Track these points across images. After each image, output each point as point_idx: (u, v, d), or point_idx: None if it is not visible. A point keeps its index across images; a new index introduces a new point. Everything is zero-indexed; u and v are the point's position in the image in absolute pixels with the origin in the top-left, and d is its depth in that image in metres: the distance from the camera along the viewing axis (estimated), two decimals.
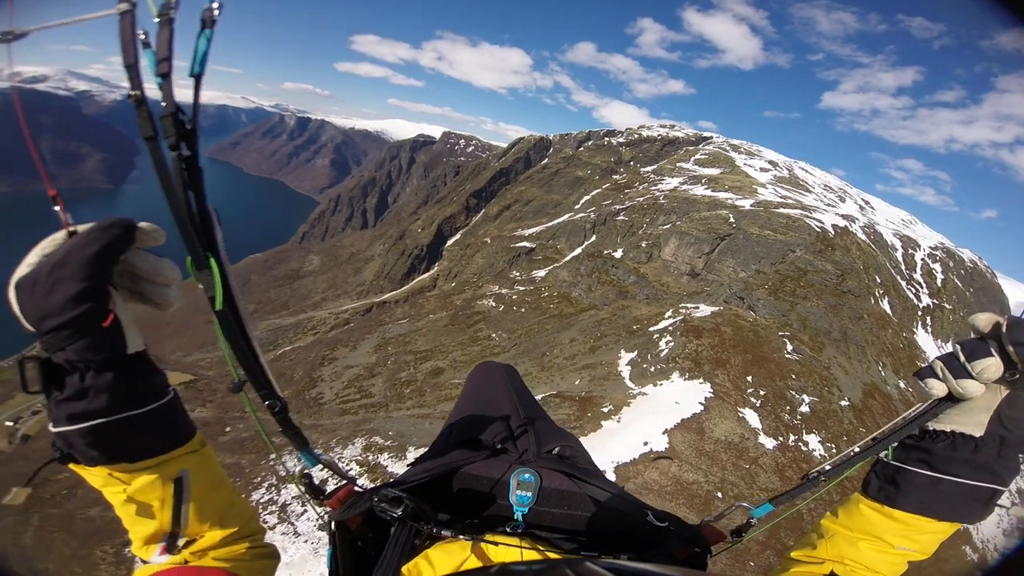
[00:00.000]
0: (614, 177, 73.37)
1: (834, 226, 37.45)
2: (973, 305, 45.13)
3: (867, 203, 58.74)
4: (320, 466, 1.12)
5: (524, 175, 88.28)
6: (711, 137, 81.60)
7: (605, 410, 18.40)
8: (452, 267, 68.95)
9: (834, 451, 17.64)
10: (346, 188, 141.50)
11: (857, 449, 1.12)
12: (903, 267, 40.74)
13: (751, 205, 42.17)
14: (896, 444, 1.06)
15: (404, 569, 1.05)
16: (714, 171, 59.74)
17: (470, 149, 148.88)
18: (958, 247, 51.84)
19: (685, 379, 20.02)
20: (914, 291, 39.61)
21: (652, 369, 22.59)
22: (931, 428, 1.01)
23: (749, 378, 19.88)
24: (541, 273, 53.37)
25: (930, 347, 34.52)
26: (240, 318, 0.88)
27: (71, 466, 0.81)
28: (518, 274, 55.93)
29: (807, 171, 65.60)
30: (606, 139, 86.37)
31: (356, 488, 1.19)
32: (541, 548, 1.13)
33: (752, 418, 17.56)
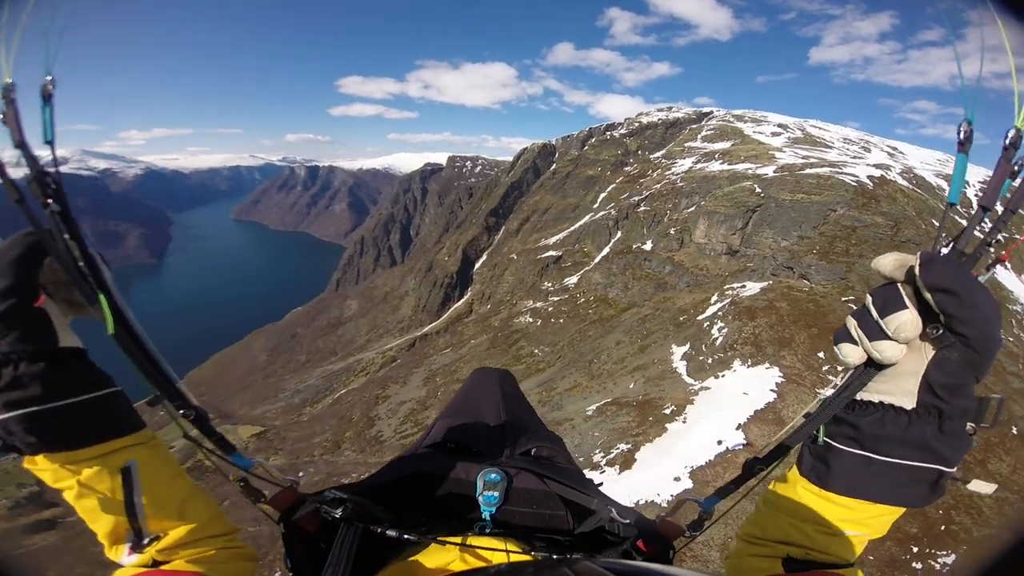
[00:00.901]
0: (625, 169, 72.87)
1: (870, 177, 35.36)
2: None
3: (895, 149, 55.63)
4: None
5: (536, 184, 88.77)
6: (712, 112, 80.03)
7: (667, 411, 17.67)
8: (484, 289, 69.45)
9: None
10: (368, 229, 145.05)
11: (788, 431, 1.00)
12: (958, 206, 37.81)
13: (774, 172, 40.67)
14: (827, 421, 0.92)
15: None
16: (725, 144, 58.28)
17: (478, 169, 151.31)
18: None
19: (748, 366, 18.83)
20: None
21: (710, 360, 21.52)
22: (859, 399, 0.87)
23: (821, 354, 18.51)
24: (573, 279, 52.88)
25: (1016, 286, 31.72)
26: (137, 338, 0.93)
27: (25, 464, 0.85)
28: (550, 284, 55.63)
29: (821, 128, 62.86)
30: (608, 133, 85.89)
31: (297, 490, 1.19)
32: (509, 548, 1.11)
33: None
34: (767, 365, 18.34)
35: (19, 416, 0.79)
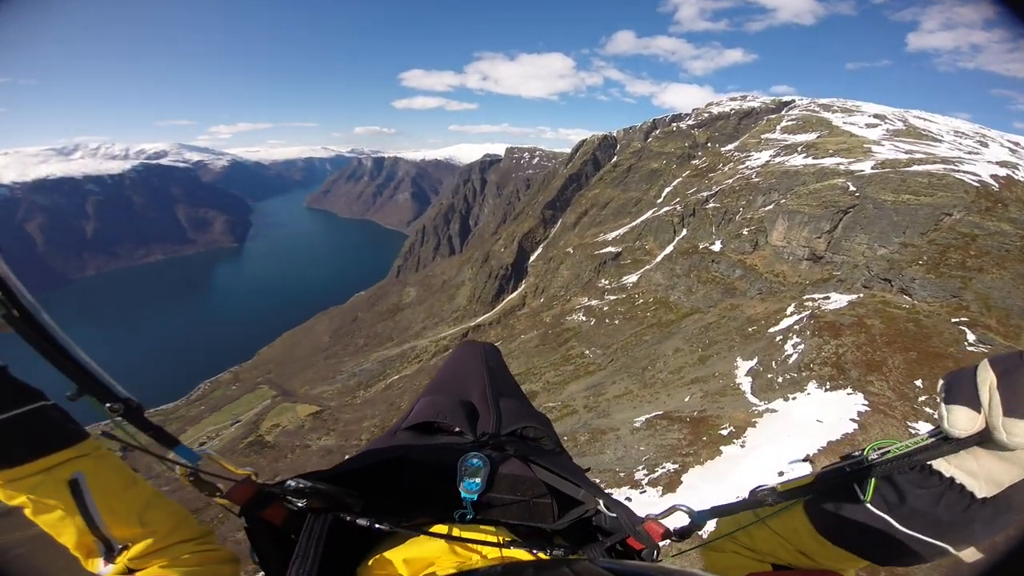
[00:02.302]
0: (693, 163, 68.94)
1: (994, 177, 30.41)
2: None
3: (1017, 145, 47.97)
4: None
5: (595, 177, 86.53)
6: (793, 101, 73.70)
7: (724, 432, 15.87)
8: (538, 283, 68.63)
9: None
10: (429, 218, 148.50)
11: (814, 471, 0.99)
12: None
13: (872, 168, 36.08)
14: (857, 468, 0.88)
15: (362, 570, 1.01)
16: (809, 136, 53.11)
17: (535, 161, 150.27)
18: None
19: (826, 390, 16.45)
20: None
21: (780, 380, 19.17)
22: (928, 465, 0.78)
23: (918, 383, 15.71)
24: (632, 278, 50.58)
25: None
26: (41, 327, 0.88)
27: None
28: (607, 282, 53.64)
29: (926, 119, 55.53)
30: (674, 124, 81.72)
31: (256, 480, 1.10)
32: (494, 539, 1.06)
33: None
34: (849, 390, 15.91)
35: None
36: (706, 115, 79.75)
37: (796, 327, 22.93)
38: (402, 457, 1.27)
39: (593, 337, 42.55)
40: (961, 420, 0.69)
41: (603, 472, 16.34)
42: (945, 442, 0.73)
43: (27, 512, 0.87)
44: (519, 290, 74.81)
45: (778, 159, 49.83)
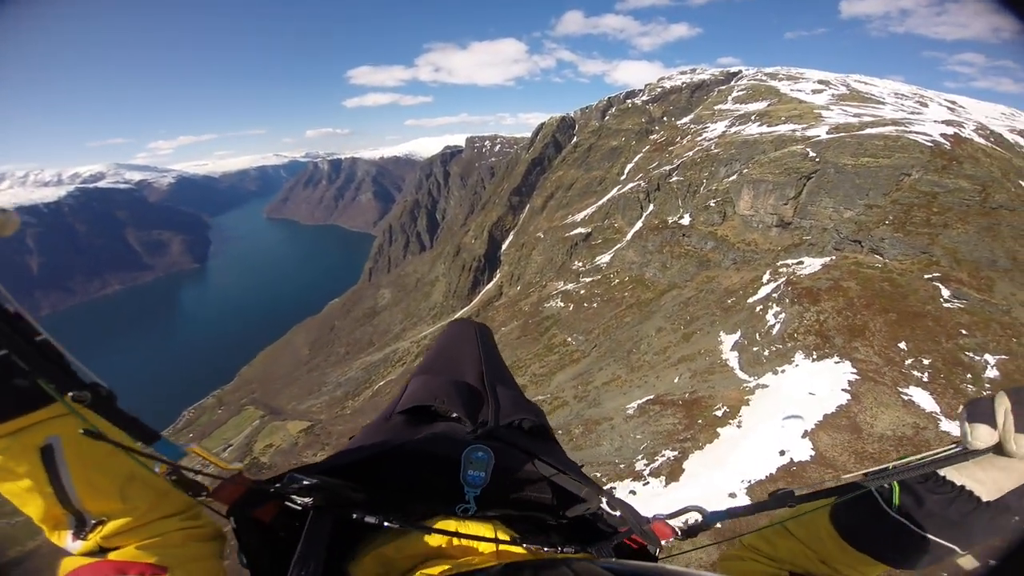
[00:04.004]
0: (651, 138, 69.39)
1: (944, 136, 31.37)
2: None
3: (954, 103, 50.02)
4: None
5: (558, 159, 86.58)
6: (740, 72, 75.29)
7: (719, 413, 15.92)
8: (513, 270, 68.40)
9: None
10: (395, 217, 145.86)
11: (847, 478, 1.02)
12: None
13: (828, 133, 36.84)
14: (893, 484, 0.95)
15: (354, 567, 0.96)
16: (760, 105, 54.25)
17: (497, 148, 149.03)
18: None
19: (813, 360, 16.58)
20: None
21: (766, 353, 19.27)
22: (940, 475, 0.89)
23: (902, 345, 16.00)
24: (605, 258, 50.70)
25: None
26: None
27: None
28: (581, 264, 53.69)
29: (866, 83, 57.52)
30: (628, 101, 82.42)
31: (248, 477, 1.02)
32: (498, 536, 1.03)
33: (923, 399, 13.58)
34: (836, 359, 16.12)
35: None
36: (659, 90, 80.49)
37: (775, 295, 23.23)
38: (400, 447, 1.22)
39: (574, 323, 42.53)
40: (982, 435, 0.79)
41: (603, 465, 16.12)
42: (962, 455, 0.84)
43: None
44: (495, 280, 74.42)
45: (734, 129, 50.54)
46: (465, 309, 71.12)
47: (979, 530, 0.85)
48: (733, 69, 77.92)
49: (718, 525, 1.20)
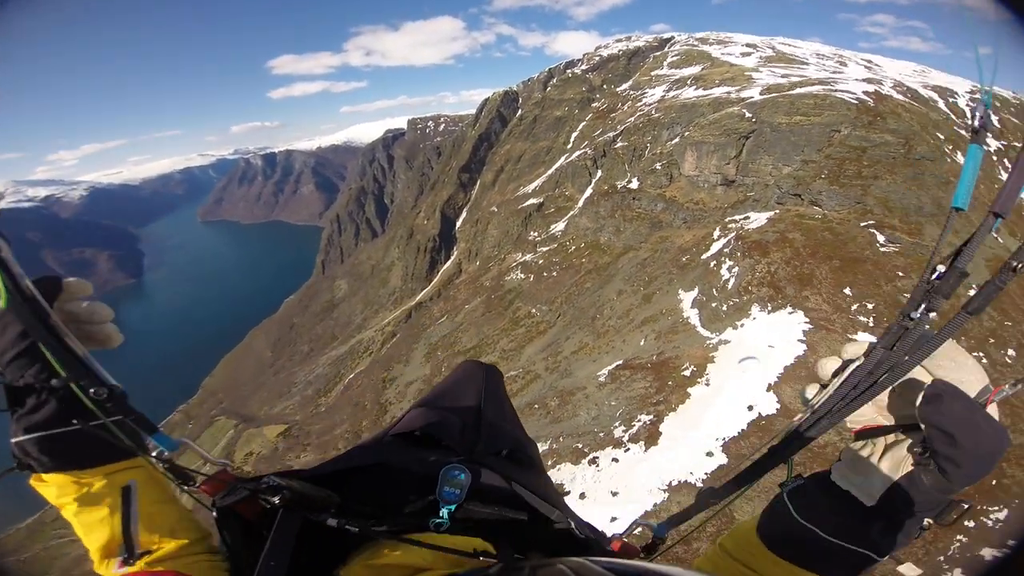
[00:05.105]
0: (593, 106, 70.01)
1: (866, 93, 33.03)
2: None
3: (870, 63, 52.88)
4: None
5: (504, 133, 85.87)
6: (672, 38, 76.80)
7: (687, 373, 16.45)
8: (470, 247, 67.97)
9: (981, 355, 14.82)
10: (341, 206, 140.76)
11: (748, 463, 1.10)
12: (953, 116, 35.59)
13: (761, 94, 38.04)
14: (790, 487, 1.02)
15: (345, 572, 1.03)
16: (694, 69, 55.56)
17: (441, 128, 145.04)
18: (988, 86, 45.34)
19: (769, 312, 17.43)
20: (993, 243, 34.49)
21: (724, 307, 20.11)
22: (832, 480, 0.94)
23: (847, 291, 16.95)
24: (560, 226, 51.06)
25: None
26: (40, 309, 0.91)
27: (31, 482, 0.95)
28: (536, 234, 53.89)
29: (790, 45, 60.19)
30: (569, 71, 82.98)
31: (230, 473, 1.15)
32: (463, 547, 1.09)
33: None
34: (790, 309, 16.96)
35: (35, 438, 0.91)
36: (597, 58, 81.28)
37: (726, 250, 24.08)
38: (383, 463, 1.27)
39: (536, 294, 42.86)
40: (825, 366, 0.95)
41: (583, 435, 16.44)
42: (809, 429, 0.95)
43: (67, 512, 0.96)
44: (452, 258, 73.66)
45: (671, 93, 51.47)
46: (426, 291, 70.22)
47: (879, 535, 0.86)
48: (666, 35, 79.40)
49: (673, 533, 1.28)
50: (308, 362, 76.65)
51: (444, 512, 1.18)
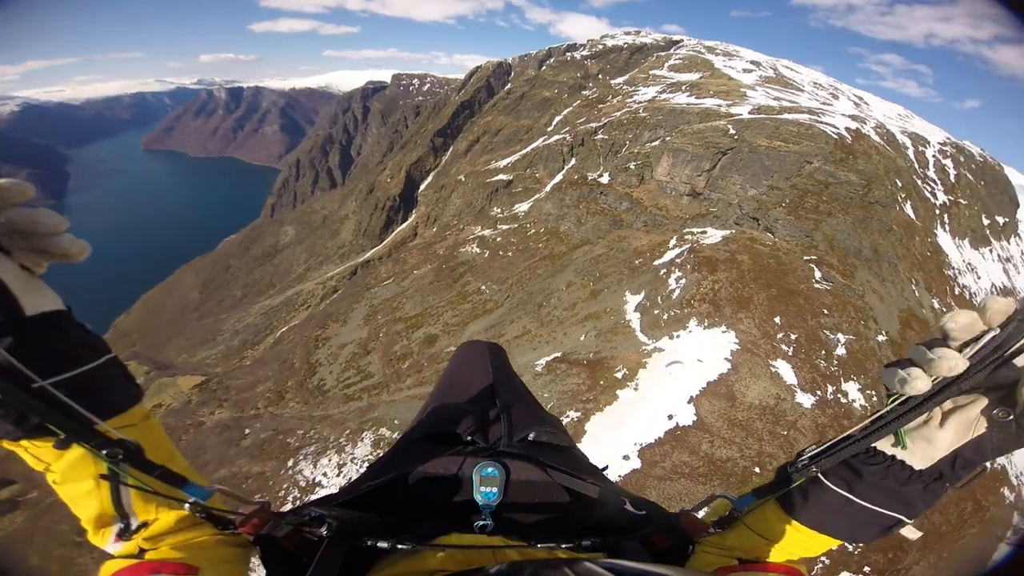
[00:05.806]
0: (584, 93, 68.67)
1: (848, 130, 33.44)
2: (986, 198, 42.29)
3: (860, 99, 54.60)
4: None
5: (489, 104, 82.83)
6: (681, 40, 76.52)
7: (619, 375, 16.30)
8: (430, 212, 65.69)
9: (874, 399, 15.45)
10: (304, 151, 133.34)
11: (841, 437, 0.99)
12: (916, 165, 37.02)
13: (750, 113, 38.04)
14: (812, 452, 0.98)
15: None
16: (693, 76, 55.18)
17: (426, 88, 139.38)
18: (959, 140, 48.46)
19: (705, 327, 17.53)
20: (930, 189, 36.20)
21: (665, 316, 20.12)
22: (873, 447, 0.90)
23: (777, 319, 17.24)
24: (524, 207, 50.13)
25: (951, 248, 32.22)
26: (22, 376, 0.72)
27: (3, 444, 0.76)
28: (499, 211, 52.76)
29: (792, 69, 60.94)
30: (568, 54, 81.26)
31: (269, 509, 1.09)
32: (511, 545, 1.06)
33: (786, 371, 14.85)
34: (723, 328, 17.09)
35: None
36: (600, 47, 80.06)
37: (678, 260, 24.14)
38: (412, 473, 1.22)
39: (488, 271, 41.93)
40: (919, 379, 0.79)
41: None
42: (903, 416, 0.84)
43: (50, 478, 0.82)
44: (409, 220, 71.06)
45: (663, 96, 50.92)
46: (376, 249, 67.52)
47: (917, 498, 0.86)
48: (675, 37, 79.04)
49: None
50: (239, 309, 71.68)
51: (486, 513, 1.14)
